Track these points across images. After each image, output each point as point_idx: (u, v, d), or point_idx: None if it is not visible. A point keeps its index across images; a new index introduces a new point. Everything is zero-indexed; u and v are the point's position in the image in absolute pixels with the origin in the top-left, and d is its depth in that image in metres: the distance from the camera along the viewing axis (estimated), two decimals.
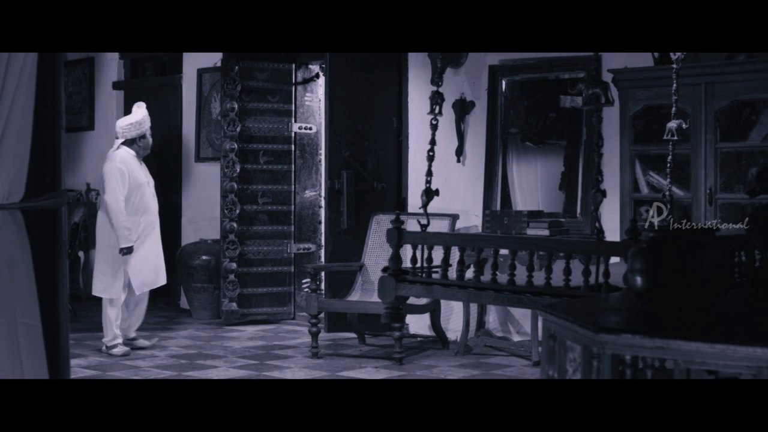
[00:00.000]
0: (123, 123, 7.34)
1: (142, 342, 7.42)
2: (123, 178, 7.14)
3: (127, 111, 10.28)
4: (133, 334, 7.39)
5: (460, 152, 7.92)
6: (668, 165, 4.98)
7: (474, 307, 7.45)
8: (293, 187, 8.89)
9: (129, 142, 7.28)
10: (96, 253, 7.29)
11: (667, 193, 4.97)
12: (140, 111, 7.40)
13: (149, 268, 7.33)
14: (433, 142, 6.30)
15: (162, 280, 7.48)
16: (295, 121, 8.91)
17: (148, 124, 7.38)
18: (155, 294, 9.76)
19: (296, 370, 6.65)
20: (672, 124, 5.00)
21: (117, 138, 7.31)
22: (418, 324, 8.08)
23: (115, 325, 7.15)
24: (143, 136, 7.32)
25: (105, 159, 7.29)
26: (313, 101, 9.13)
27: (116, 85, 10.37)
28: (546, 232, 6.79)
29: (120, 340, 7.17)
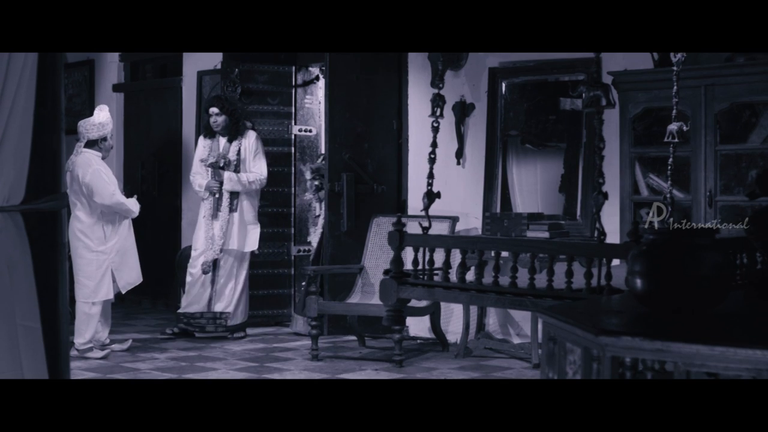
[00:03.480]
0: (86, 124, 7.21)
1: (116, 346, 7.40)
2: (108, 175, 7.20)
3: (128, 113, 10.35)
4: (107, 340, 7.34)
5: (459, 154, 7.92)
6: (668, 167, 4.98)
7: (474, 310, 7.45)
8: (293, 189, 8.89)
9: (91, 144, 7.22)
10: (76, 260, 7.14)
11: (667, 195, 4.97)
12: (104, 113, 7.28)
13: (132, 266, 7.33)
14: (433, 145, 6.30)
15: (140, 277, 7.44)
16: (295, 124, 8.91)
17: (110, 126, 7.30)
18: (155, 296, 9.80)
19: (296, 372, 6.65)
20: (672, 127, 5.00)
21: (79, 140, 7.22)
22: (418, 326, 8.08)
23: (94, 326, 7.14)
24: (105, 139, 7.25)
25: (74, 166, 7.12)
26: (313, 104, 9.12)
27: (116, 88, 10.37)
28: (546, 235, 6.78)
29: (92, 344, 7.16)
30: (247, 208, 8.06)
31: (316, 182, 8.13)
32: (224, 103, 8.09)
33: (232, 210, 7.98)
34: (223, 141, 8.10)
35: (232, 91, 8.61)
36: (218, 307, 7.97)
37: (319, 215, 8.21)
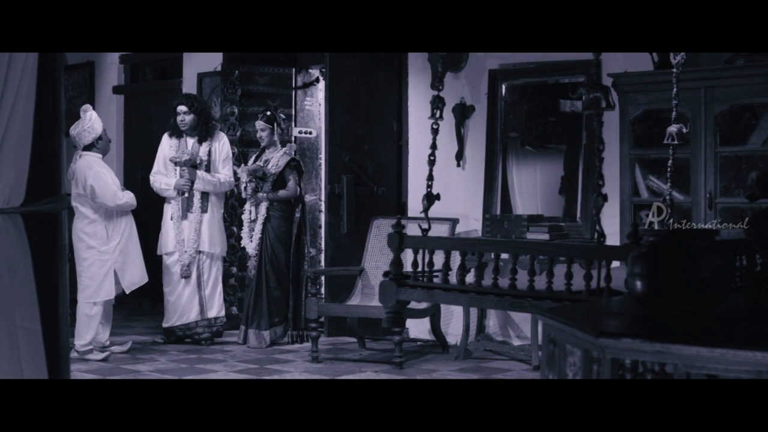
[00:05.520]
0: (77, 130, 7.17)
1: (116, 348, 7.39)
2: (110, 176, 7.20)
3: (128, 115, 10.34)
4: (107, 342, 7.32)
5: (460, 156, 7.92)
6: (668, 169, 4.98)
7: (474, 312, 7.45)
8: None
9: (89, 147, 7.20)
10: (79, 260, 7.14)
11: (667, 197, 4.97)
12: (89, 113, 7.24)
13: (136, 266, 7.32)
14: (433, 147, 6.30)
15: (146, 277, 7.41)
16: (295, 126, 8.91)
17: (100, 124, 7.24)
18: (156, 298, 9.78)
19: (296, 374, 6.65)
20: (672, 129, 5.00)
21: (76, 147, 7.20)
22: (418, 328, 8.08)
23: (95, 328, 7.13)
24: (100, 138, 7.24)
25: (75, 173, 7.12)
26: (313, 105, 9.13)
27: (116, 90, 10.37)
28: (546, 236, 6.78)
29: (92, 346, 7.15)
30: (216, 210, 7.87)
31: (252, 184, 7.81)
32: (193, 102, 7.88)
33: (203, 211, 7.75)
34: (191, 141, 7.84)
35: (232, 93, 8.60)
36: (211, 314, 7.80)
37: (255, 220, 7.85)
